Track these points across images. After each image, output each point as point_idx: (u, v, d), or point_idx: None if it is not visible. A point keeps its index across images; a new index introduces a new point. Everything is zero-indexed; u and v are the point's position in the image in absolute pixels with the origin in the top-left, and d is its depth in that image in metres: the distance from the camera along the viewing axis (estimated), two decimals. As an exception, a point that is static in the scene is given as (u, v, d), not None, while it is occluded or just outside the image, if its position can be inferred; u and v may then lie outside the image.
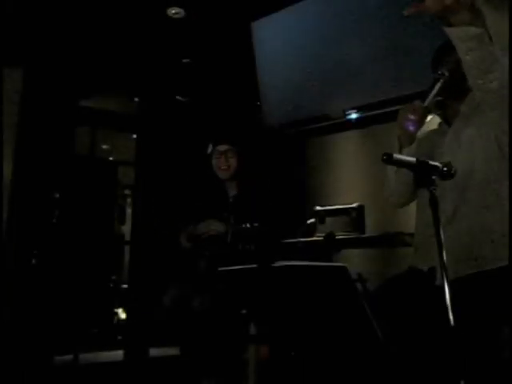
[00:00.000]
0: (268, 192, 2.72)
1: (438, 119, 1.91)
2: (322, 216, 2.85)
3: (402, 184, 1.86)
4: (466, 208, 1.64)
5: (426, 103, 1.68)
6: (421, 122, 1.70)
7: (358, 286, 2.18)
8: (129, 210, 6.22)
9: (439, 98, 1.77)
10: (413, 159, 1.37)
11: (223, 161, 2.59)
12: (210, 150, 2.65)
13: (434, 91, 1.67)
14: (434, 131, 1.92)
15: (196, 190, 2.82)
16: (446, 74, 1.66)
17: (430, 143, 1.84)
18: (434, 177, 1.36)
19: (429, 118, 1.90)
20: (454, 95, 1.76)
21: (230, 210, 2.56)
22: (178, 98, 4.22)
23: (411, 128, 1.70)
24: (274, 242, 2.40)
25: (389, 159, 1.36)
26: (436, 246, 1.49)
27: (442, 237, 1.29)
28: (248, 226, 1.87)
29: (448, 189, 1.62)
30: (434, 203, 1.32)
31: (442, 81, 1.66)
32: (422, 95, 1.68)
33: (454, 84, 1.70)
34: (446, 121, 1.83)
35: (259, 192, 2.64)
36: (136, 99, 4.52)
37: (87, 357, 3.75)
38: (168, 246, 3.10)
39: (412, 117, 1.68)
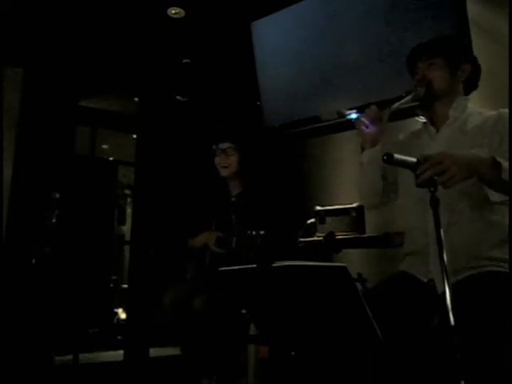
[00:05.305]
0: (269, 192, 2.71)
1: (421, 119, 1.90)
2: (322, 216, 2.83)
3: (379, 179, 1.84)
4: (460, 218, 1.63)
5: (392, 108, 1.77)
6: (376, 124, 1.78)
7: (358, 285, 2.18)
8: (129, 210, 6.23)
9: (416, 103, 1.81)
10: (413, 159, 1.38)
11: (223, 158, 2.59)
12: (213, 148, 2.66)
13: (403, 101, 1.77)
14: (418, 132, 1.91)
15: (198, 189, 2.82)
16: (422, 90, 1.76)
17: (412, 144, 1.84)
18: (434, 177, 1.36)
19: (418, 118, 1.92)
20: (437, 100, 1.78)
21: (233, 210, 2.55)
22: (177, 97, 4.21)
23: (366, 129, 1.79)
24: (276, 245, 2.40)
25: (389, 159, 1.37)
26: (434, 255, 1.51)
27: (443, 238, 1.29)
28: (254, 233, 1.85)
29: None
30: (434, 204, 1.32)
31: (413, 94, 1.76)
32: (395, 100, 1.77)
33: (435, 94, 1.76)
34: (432, 122, 1.82)
35: (261, 191, 2.64)
36: (136, 99, 4.52)
37: (87, 357, 3.75)
38: (168, 246, 3.10)
39: (365, 119, 1.79)
